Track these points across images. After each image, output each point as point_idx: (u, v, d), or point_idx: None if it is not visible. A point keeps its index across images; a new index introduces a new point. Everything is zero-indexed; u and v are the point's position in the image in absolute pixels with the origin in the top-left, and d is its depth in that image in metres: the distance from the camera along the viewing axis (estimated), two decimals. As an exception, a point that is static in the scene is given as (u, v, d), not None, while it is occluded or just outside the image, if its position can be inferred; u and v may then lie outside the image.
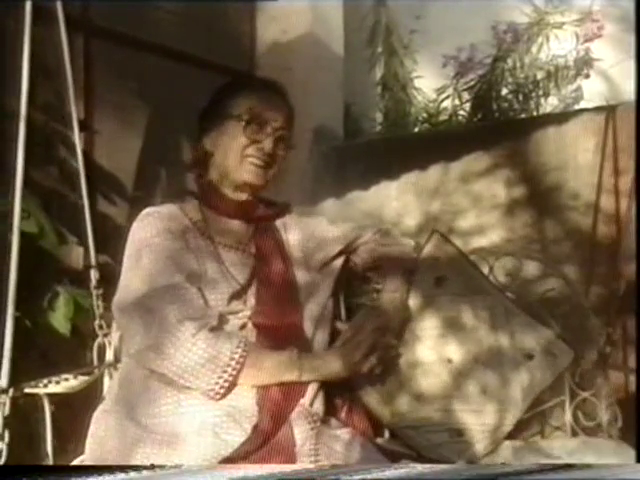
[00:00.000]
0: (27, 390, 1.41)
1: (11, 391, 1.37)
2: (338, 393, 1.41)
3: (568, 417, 1.53)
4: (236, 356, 1.28)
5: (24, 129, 1.42)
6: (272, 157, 1.47)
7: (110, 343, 1.61)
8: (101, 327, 1.62)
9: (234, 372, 1.28)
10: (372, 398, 1.47)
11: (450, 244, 1.60)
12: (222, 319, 1.36)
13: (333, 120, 2.89)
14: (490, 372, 1.47)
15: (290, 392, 1.31)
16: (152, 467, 1.16)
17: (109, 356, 1.60)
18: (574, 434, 1.52)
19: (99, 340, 1.61)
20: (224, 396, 1.28)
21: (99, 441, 1.34)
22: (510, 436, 1.47)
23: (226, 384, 1.27)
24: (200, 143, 1.51)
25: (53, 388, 1.45)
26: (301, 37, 2.80)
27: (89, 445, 1.36)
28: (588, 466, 1.29)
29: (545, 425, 1.54)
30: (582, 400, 1.53)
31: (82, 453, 1.39)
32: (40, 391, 1.43)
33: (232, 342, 1.30)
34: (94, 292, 1.65)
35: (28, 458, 1.46)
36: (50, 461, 1.42)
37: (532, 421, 1.52)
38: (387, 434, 1.50)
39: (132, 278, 1.38)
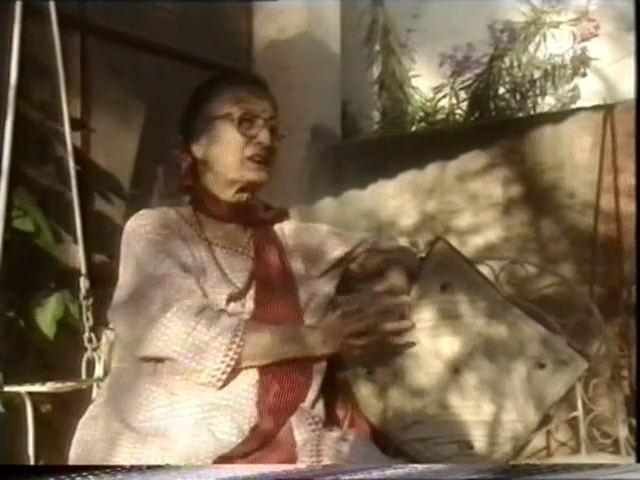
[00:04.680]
0: (7, 388, 1.40)
1: (-4, 390, 1.36)
2: (340, 405, 1.40)
3: (582, 433, 1.49)
4: (237, 340, 1.27)
5: (11, 126, 1.42)
6: (270, 150, 1.45)
7: (100, 358, 1.58)
8: (90, 340, 1.58)
9: (235, 356, 1.26)
10: (374, 409, 1.45)
11: (455, 251, 1.58)
12: (219, 310, 1.34)
13: (330, 119, 2.89)
14: (499, 382, 1.45)
15: (290, 394, 1.30)
16: (142, 467, 1.15)
17: (98, 371, 1.57)
18: (588, 451, 1.49)
19: (88, 354, 1.58)
20: (226, 383, 1.26)
21: (84, 446, 1.32)
22: (518, 450, 1.44)
23: (228, 369, 1.26)
24: (188, 152, 1.48)
25: (37, 388, 1.43)
26: (298, 36, 2.79)
27: (74, 451, 1.34)
28: (587, 466, 1.28)
29: (551, 440, 1.52)
30: (595, 414, 1.50)
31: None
32: (22, 389, 1.42)
33: (230, 326, 1.28)
34: (83, 303, 1.61)
35: (24, 458, 1.46)
36: (31, 461, 1.40)
37: (538, 435, 1.50)
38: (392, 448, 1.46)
39: (125, 272, 1.37)
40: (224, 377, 1.26)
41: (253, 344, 1.29)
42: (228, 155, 1.44)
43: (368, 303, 1.39)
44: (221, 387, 1.27)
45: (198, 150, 1.47)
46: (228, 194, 1.48)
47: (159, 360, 1.30)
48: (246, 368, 1.30)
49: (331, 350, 1.35)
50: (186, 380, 1.28)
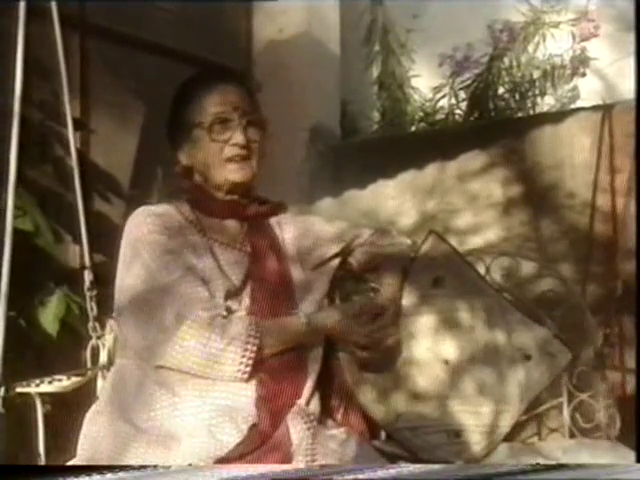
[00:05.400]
0: (19, 389, 1.41)
1: (2, 390, 1.36)
2: (334, 394, 1.42)
3: (566, 419, 1.52)
4: (252, 332, 1.30)
5: (17, 127, 1.42)
6: (248, 147, 1.45)
7: (104, 345, 1.60)
8: (95, 329, 1.61)
9: (254, 348, 1.30)
10: (368, 399, 1.46)
11: (447, 244, 1.60)
12: (228, 308, 1.37)
13: (330, 119, 2.89)
14: (487, 372, 1.47)
15: (287, 392, 1.32)
16: (143, 467, 1.16)
17: (103, 358, 1.59)
18: (572, 436, 1.52)
19: (92, 342, 1.60)
20: (252, 376, 1.30)
21: (91, 442, 1.34)
22: (507, 438, 1.47)
23: (250, 361, 1.29)
24: (176, 158, 1.51)
25: (45, 388, 1.44)
26: (298, 36, 2.80)
27: (81, 446, 1.36)
28: (585, 466, 1.29)
29: (542, 427, 1.54)
30: (579, 401, 1.53)
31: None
32: (32, 390, 1.43)
33: (244, 323, 1.32)
34: (87, 294, 1.64)
35: (22, 458, 1.46)
36: (42, 461, 1.41)
37: (529, 423, 1.52)
38: (383, 436, 1.49)
39: (132, 277, 1.37)
40: (246, 376, 1.30)
41: (268, 339, 1.33)
42: (208, 161, 1.46)
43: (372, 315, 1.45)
44: (248, 380, 1.30)
45: (183, 157, 1.50)
46: (220, 195, 1.50)
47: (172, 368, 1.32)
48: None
49: (337, 333, 1.42)
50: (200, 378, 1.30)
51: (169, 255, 1.37)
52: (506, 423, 1.45)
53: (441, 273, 1.56)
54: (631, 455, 1.39)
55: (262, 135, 1.49)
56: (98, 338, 1.61)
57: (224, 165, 1.45)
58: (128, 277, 1.39)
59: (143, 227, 1.41)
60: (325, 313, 1.44)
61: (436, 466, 1.32)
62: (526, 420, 1.51)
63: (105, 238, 1.88)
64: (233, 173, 1.46)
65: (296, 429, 1.26)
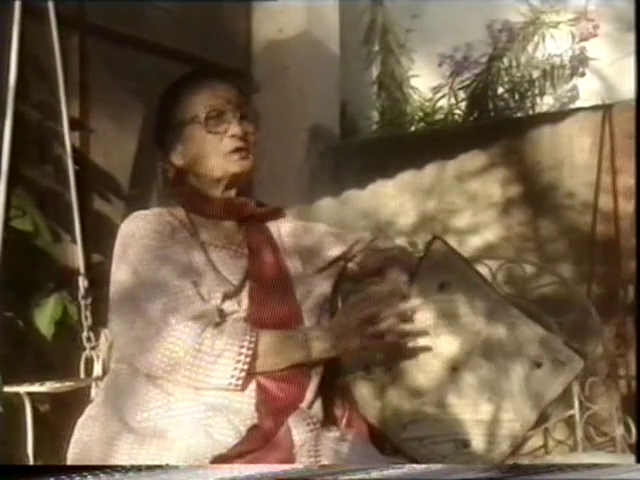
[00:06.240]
0: (7, 389, 1.40)
1: (-4, 390, 1.36)
2: (338, 404, 1.40)
3: (579, 432, 1.49)
4: (245, 343, 1.28)
5: (11, 119, 1.42)
6: (246, 138, 1.45)
7: (98, 357, 1.57)
8: (89, 340, 1.58)
9: (247, 359, 1.27)
10: (372, 408, 1.45)
11: (453, 250, 1.58)
12: (221, 313, 1.35)
13: (329, 119, 2.89)
14: (497, 381, 1.44)
15: (288, 395, 1.31)
16: (137, 468, 1.15)
17: (97, 370, 1.56)
18: (584, 449, 1.49)
19: (86, 353, 1.57)
20: (245, 387, 1.27)
21: (82, 447, 1.32)
22: (515, 449, 1.43)
23: (242, 374, 1.27)
24: (170, 162, 1.49)
25: (35, 388, 1.43)
26: (297, 36, 2.79)
27: (72, 451, 1.34)
28: (587, 466, 1.27)
29: (548, 438, 1.52)
30: (591, 413, 1.50)
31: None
32: (21, 390, 1.42)
33: (237, 332, 1.29)
34: (82, 302, 1.60)
35: (22, 458, 1.46)
36: (30, 461, 1.40)
37: (536, 434, 1.50)
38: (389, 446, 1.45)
39: (123, 280, 1.36)
40: (240, 382, 1.27)
41: (262, 349, 1.30)
42: (206, 156, 1.44)
43: (378, 302, 1.39)
44: (242, 390, 1.28)
45: (177, 159, 1.48)
46: (216, 193, 1.48)
47: None
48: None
49: (340, 353, 1.36)
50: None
51: (160, 258, 1.35)
52: (516, 433, 1.42)
53: (447, 279, 1.52)
54: (631, 457, 1.38)
55: (254, 128, 1.48)
56: (92, 349, 1.58)
57: (223, 157, 1.44)
58: (117, 281, 1.37)
59: (134, 231, 1.40)
60: (324, 330, 1.38)
61: (442, 466, 1.31)
62: (535, 431, 1.48)
63: (105, 238, 1.88)
64: (233, 164, 1.44)
65: (298, 431, 1.25)
